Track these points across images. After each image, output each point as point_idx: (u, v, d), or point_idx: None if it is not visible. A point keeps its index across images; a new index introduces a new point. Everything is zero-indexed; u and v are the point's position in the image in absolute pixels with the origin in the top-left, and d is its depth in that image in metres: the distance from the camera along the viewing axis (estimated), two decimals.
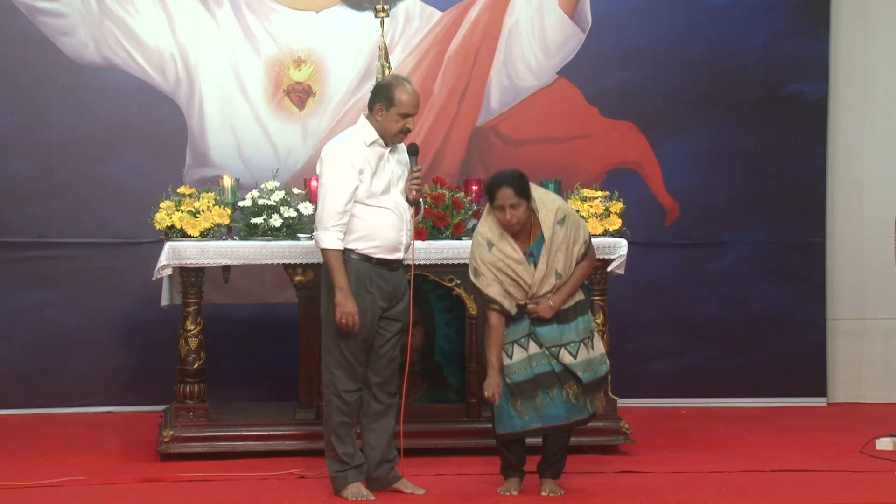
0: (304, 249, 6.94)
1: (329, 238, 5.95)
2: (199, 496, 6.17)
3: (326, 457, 6.14)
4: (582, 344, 6.04)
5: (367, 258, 6.01)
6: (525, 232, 6.04)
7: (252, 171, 8.20)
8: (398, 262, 6.11)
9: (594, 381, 6.06)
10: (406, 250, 6.13)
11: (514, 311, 6.00)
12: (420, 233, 6.85)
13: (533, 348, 6.03)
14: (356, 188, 5.96)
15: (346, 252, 6.00)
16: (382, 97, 6.02)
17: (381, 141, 6.04)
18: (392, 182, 6.08)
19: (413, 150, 6.18)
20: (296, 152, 8.44)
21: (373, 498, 6.05)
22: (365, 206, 5.99)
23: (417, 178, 6.14)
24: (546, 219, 6.02)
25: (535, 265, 6.00)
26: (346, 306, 5.92)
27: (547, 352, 6.01)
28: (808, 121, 8.75)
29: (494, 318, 6.01)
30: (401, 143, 6.14)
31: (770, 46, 8.72)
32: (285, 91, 8.46)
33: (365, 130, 6.04)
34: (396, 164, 6.13)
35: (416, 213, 6.24)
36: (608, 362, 6.14)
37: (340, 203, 5.94)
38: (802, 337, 8.75)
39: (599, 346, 6.11)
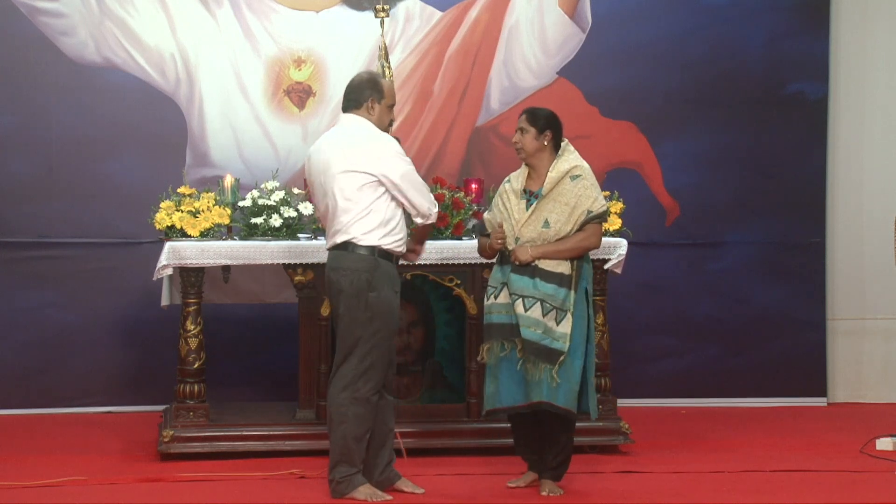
0: (304, 249, 6.94)
1: (434, 209, 6.12)
2: (199, 496, 6.17)
3: (332, 460, 6.05)
4: (540, 304, 6.03)
5: (390, 255, 6.02)
6: (539, 174, 6.20)
7: (252, 171, 8.20)
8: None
9: (537, 345, 6.01)
10: None
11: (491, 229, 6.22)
12: None
13: (502, 297, 6.13)
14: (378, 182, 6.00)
15: (376, 250, 5.96)
16: (372, 91, 6.04)
17: None
18: None
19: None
20: (296, 152, 8.43)
21: (389, 498, 6.03)
22: (387, 201, 6.00)
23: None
24: (560, 166, 6.18)
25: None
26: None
27: (510, 299, 6.09)
28: (808, 121, 8.75)
29: (483, 239, 6.31)
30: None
31: (770, 46, 8.72)
32: (285, 91, 8.46)
33: (366, 122, 6.06)
34: None
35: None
36: (568, 347, 6.02)
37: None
38: (802, 337, 8.75)
39: (566, 328, 6.04)
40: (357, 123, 6.09)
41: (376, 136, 6.05)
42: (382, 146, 6.01)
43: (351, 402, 5.97)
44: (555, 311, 6.04)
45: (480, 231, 6.45)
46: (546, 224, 6.09)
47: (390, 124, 6.16)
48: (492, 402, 6.16)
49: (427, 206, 6.05)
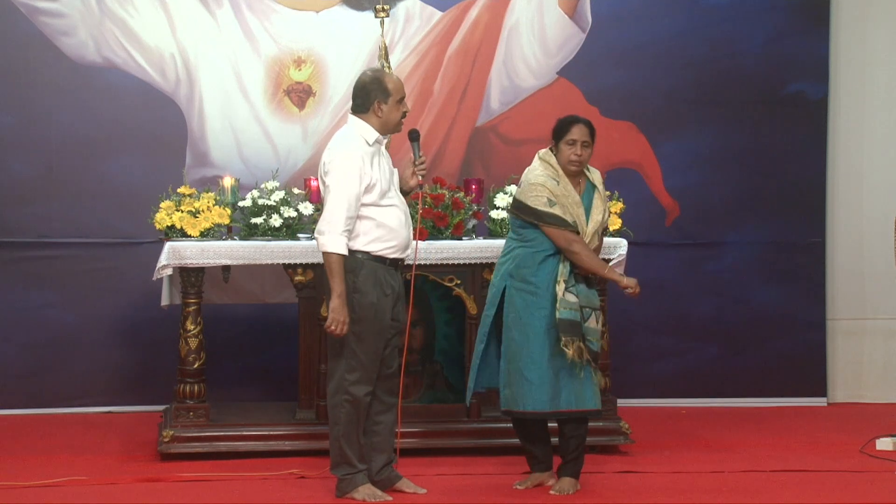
0: (304, 249, 6.94)
1: (337, 242, 5.86)
2: (199, 496, 6.17)
3: (333, 461, 6.09)
4: (594, 314, 6.16)
5: (381, 259, 5.99)
6: (575, 182, 6.25)
7: (252, 171, 8.21)
8: (402, 261, 6.12)
9: (594, 353, 6.16)
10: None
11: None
12: (420, 233, 6.85)
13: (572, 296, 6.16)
14: (365, 190, 5.92)
15: (356, 255, 5.94)
16: (377, 91, 5.99)
17: (380, 139, 6.04)
18: (391, 182, 6.09)
19: (414, 136, 6.14)
20: (296, 152, 8.44)
21: (389, 498, 6.04)
22: (379, 208, 5.96)
23: (423, 163, 6.13)
24: (593, 175, 6.32)
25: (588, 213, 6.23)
26: (340, 314, 5.85)
27: (580, 309, 6.12)
28: (808, 121, 8.75)
29: (581, 239, 6.18)
30: (399, 130, 6.12)
31: (770, 46, 8.72)
32: (285, 91, 8.46)
33: (364, 130, 6.01)
34: (388, 163, 6.13)
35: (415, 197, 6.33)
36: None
37: (352, 207, 5.88)
38: (802, 337, 8.75)
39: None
40: (342, 130, 6.09)
41: (336, 146, 6.00)
42: (334, 156, 5.96)
43: (342, 403, 6.00)
44: (594, 312, 6.23)
45: (559, 223, 6.19)
46: (599, 225, 6.31)
47: (404, 115, 6.07)
48: (521, 404, 6.16)
49: (324, 225, 5.88)
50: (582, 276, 6.17)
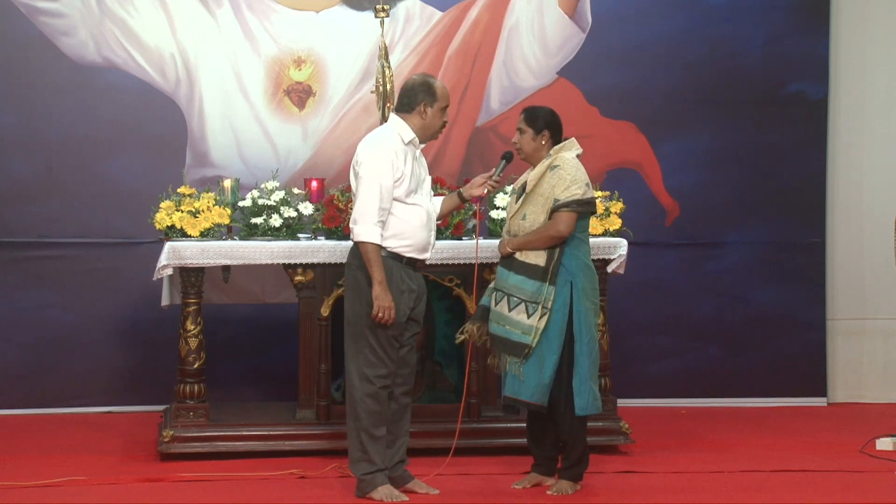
0: (305, 249, 6.95)
1: (372, 232, 5.93)
2: (199, 496, 6.17)
3: (352, 457, 6.09)
4: (507, 299, 6.11)
5: (397, 257, 6.03)
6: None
7: (252, 171, 8.21)
8: (422, 262, 6.16)
9: (503, 339, 6.13)
10: (431, 251, 6.20)
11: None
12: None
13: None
14: (396, 184, 5.98)
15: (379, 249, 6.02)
16: (425, 94, 6.08)
17: (416, 140, 6.10)
18: (420, 182, 6.13)
19: (507, 156, 6.34)
20: (296, 152, 8.44)
21: (406, 498, 6.04)
22: (403, 204, 6.03)
23: (498, 182, 6.28)
24: (546, 162, 6.23)
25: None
26: (384, 300, 5.92)
27: (493, 288, 6.23)
28: (808, 121, 8.75)
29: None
30: (436, 138, 6.27)
31: (770, 46, 8.72)
32: (285, 91, 8.46)
33: (402, 128, 6.09)
34: (422, 167, 6.18)
35: (462, 206, 6.49)
36: (533, 339, 6.06)
37: (385, 198, 5.96)
38: (802, 337, 8.75)
39: (534, 321, 6.05)
40: (382, 127, 6.26)
41: (371, 140, 6.11)
42: (367, 148, 6.05)
43: (362, 398, 6.02)
44: (523, 303, 6.08)
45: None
46: (524, 217, 6.18)
47: (443, 125, 6.17)
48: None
49: (357, 215, 5.96)
50: (504, 258, 6.23)
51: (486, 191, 6.26)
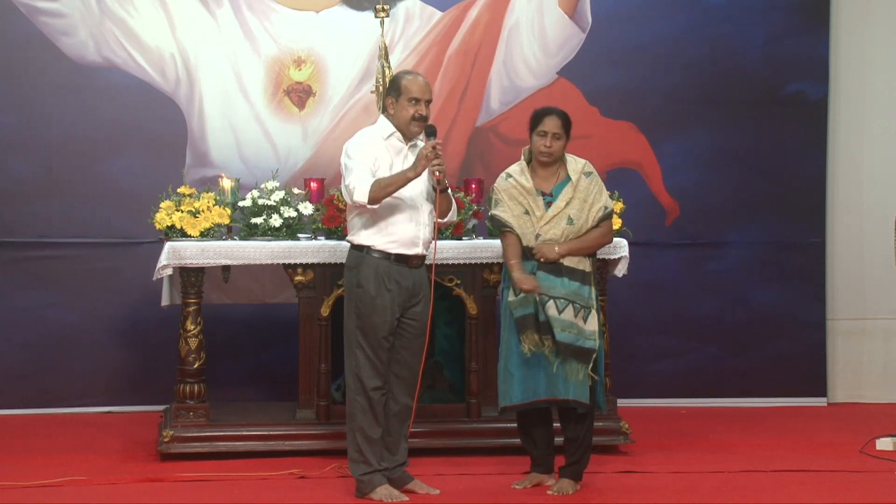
0: (304, 249, 6.95)
1: (364, 188, 5.90)
2: (199, 496, 6.17)
3: (350, 457, 6.11)
4: (572, 306, 6.10)
5: (385, 255, 6.04)
6: (550, 173, 6.23)
7: (252, 171, 8.21)
8: (418, 258, 6.12)
9: (572, 346, 6.08)
10: (426, 246, 6.13)
11: (524, 240, 6.14)
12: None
13: (512, 295, 6.17)
14: (373, 166, 6.00)
15: (365, 249, 6.03)
16: (392, 90, 6.14)
17: (398, 135, 6.10)
18: None
19: (430, 132, 6.06)
20: (296, 152, 8.44)
21: (406, 499, 6.05)
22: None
23: (437, 158, 5.94)
24: (574, 166, 6.25)
25: (551, 205, 6.17)
26: (421, 161, 5.93)
27: (537, 297, 6.09)
28: (808, 121, 8.75)
29: (510, 237, 6.17)
30: (419, 132, 6.11)
31: (770, 46, 8.73)
32: (285, 91, 8.46)
33: (382, 125, 6.16)
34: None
35: (445, 198, 6.11)
36: (598, 345, 6.14)
37: (365, 169, 5.97)
38: (802, 337, 8.75)
39: (593, 325, 6.13)
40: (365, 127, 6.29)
41: (355, 136, 6.18)
42: (347, 143, 6.14)
43: (354, 397, 6.06)
44: (583, 309, 6.12)
45: (498, 226, 6.25)
46: (570, 221, 6.16)
47: (422, 118, 6.06)
48: (507, 398, 6.20)
49: (350, 184, 5.97)
50: (548, 264, 6.13)
51: (437, 171, 5.96)
